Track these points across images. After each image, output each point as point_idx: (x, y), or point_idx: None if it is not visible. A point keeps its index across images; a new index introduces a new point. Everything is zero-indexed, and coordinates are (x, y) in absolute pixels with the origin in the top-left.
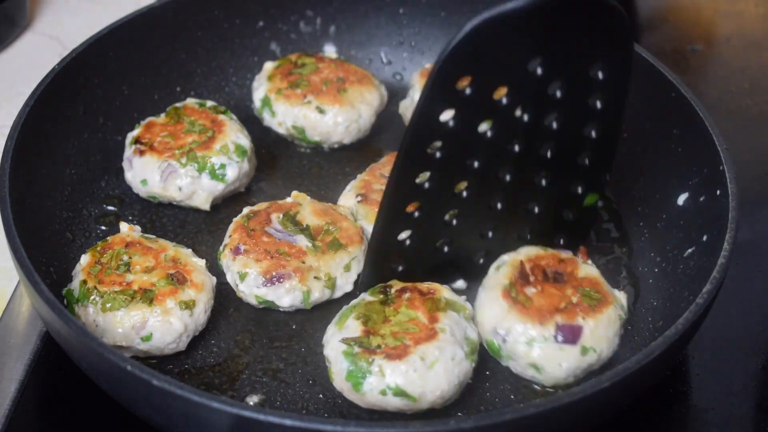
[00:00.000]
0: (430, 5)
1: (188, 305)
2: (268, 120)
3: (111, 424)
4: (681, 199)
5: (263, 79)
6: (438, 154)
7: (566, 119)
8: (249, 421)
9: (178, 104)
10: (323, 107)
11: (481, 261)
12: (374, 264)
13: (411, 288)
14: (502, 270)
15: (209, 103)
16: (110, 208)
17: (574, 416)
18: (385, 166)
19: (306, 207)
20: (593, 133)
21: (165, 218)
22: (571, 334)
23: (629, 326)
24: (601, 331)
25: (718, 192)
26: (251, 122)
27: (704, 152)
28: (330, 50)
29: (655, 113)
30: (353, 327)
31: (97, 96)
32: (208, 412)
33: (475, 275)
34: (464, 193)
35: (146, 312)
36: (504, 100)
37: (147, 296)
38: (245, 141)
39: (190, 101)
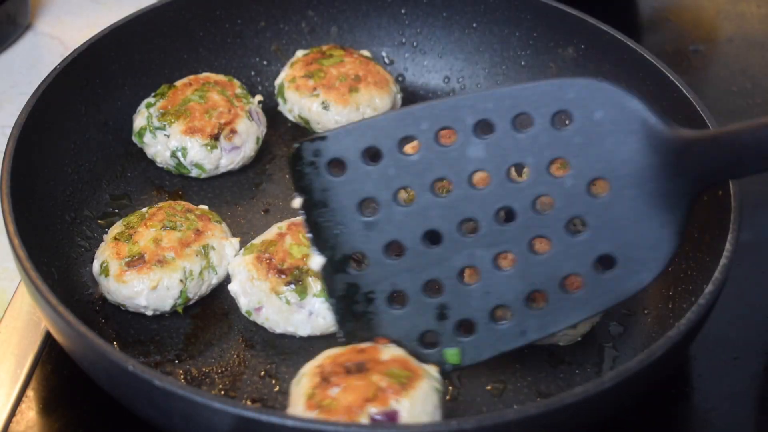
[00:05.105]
0: (432, 5)
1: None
2: (282, 106)
3: (112, 424)
4: None
5: (287, 66)
6: None
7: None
8: (250, 422)
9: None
10: (328, 103)
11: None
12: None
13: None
14: (302, 383)
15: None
16: (112, 208)
17: (576, 417)
18: None
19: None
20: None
21: None
22: (388, 421)
23: (630, 327)
24: (419, 408)
25: (719, 192)
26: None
27: None
28: None
29: None
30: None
31: (98, 96)
32: (210, 413)
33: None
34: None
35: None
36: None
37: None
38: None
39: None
